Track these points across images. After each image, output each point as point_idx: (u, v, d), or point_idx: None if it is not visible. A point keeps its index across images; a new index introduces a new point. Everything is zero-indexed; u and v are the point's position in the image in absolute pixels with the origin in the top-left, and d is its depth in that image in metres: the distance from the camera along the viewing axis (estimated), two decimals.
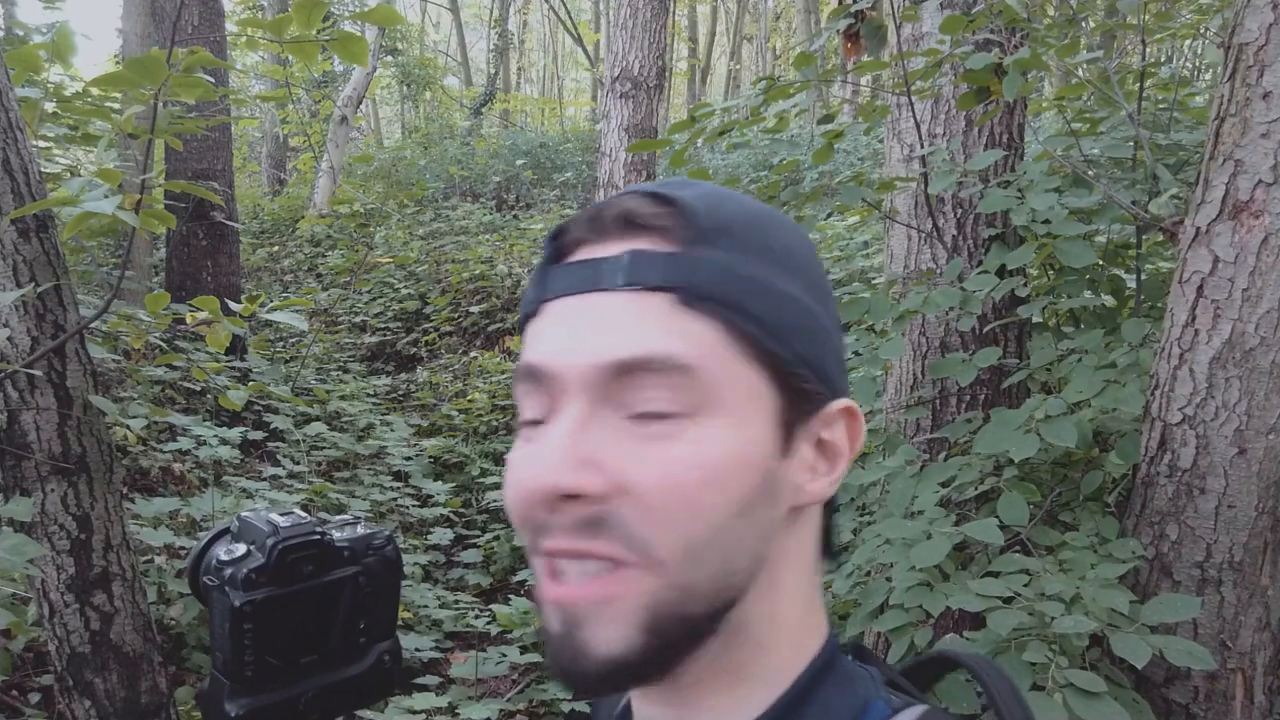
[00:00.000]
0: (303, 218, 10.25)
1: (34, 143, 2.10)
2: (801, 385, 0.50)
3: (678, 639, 0.47)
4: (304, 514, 0.68)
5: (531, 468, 0.46)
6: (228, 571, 0.63)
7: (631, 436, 0.46)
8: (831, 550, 0.57)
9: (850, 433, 0.53)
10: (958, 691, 1.58)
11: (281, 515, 0.67)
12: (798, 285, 0.50)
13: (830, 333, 0.53)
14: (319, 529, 0.67)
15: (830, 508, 0.56)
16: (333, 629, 0.68)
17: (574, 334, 0.47)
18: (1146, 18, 2.73)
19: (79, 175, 2.77)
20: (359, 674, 0.70)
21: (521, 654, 3.08)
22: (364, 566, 0.69)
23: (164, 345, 4.62)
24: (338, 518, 0.72)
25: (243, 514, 0.68)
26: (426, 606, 3.48)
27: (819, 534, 0.55)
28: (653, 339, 0.46)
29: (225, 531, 0.69)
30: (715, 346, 0.47)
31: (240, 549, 0.65)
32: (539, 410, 0.49)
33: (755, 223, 0.50)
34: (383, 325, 8.03)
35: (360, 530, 0.71)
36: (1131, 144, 2.37)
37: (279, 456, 4.61)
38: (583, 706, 2.85)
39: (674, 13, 12.92)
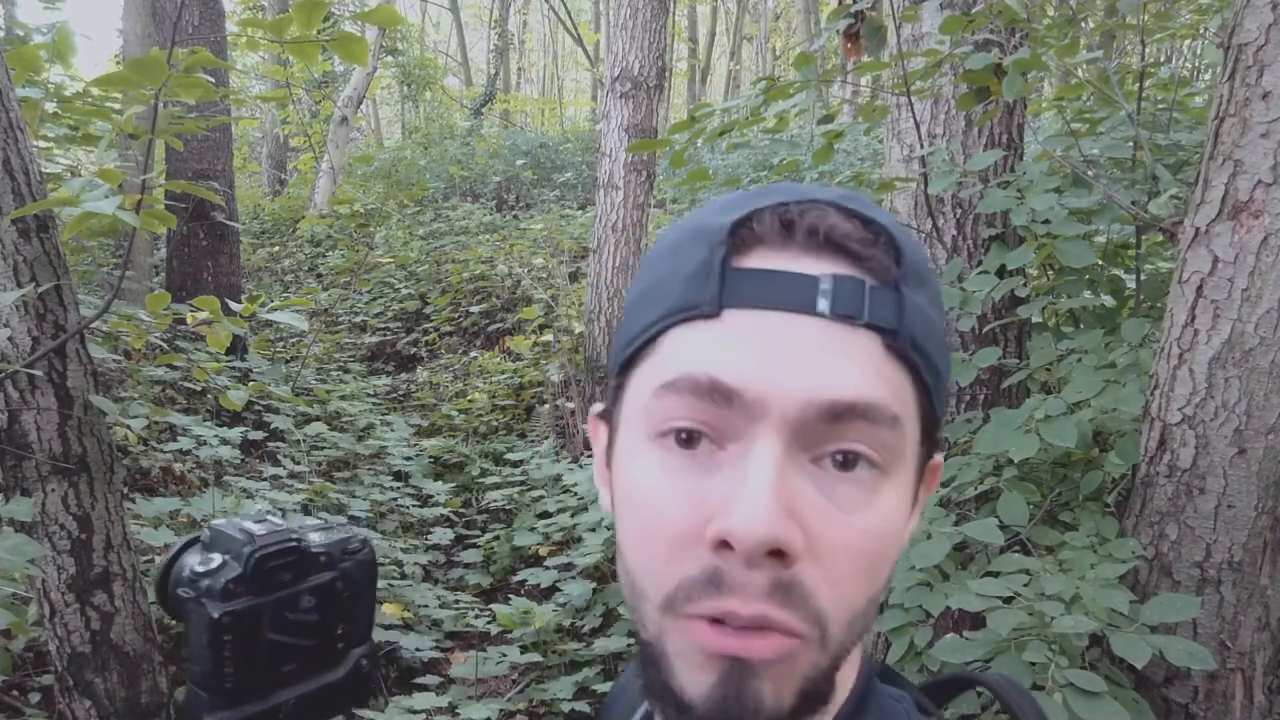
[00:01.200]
0: (303, 218, 10.25)
1: (34, 143, 2.10)
2: (936, 440, 0.49)
3: (817, 702, 0.45)
4: (277, 520, 0.68)
5: (738, 508, 0.41)
6: (204, 583, 0.62)
7: (822, 486, 0.43)
8: None
9: (929, 483, 0.52)
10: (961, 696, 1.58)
11: (256, 523, 0.66)
12: (944, 332, 0.49)
13: None
14: (295, 535, 0.66)
15: None
16: (310, 636, 0.67)
17: (778, 359, 0.42)
18: (1146, 18, 2.73)
19: (79, 175, 2.77)
20: (337, 680, 0.69)
21: (521, 654, 3.08)
22: (340, 571, 0.69)
23: (164, 345, 4.62)
24: (310, 521, 0.72)
25: (214, 523, 0.67)
26: (426, 606, 3.48)
27: None
28: (868, 383, 0.43)
29: (194, 541, 0.67)
30: (908, 397, 0.45)
31: (216, 559, 0.63)
32: (704, 428, 0.44)
33: (929, 262, 0.48)
34: (383, 325, 8.03)
35: (335, 535, 0.70)
36: (1131, 144, 2.37)
37: (279, 456, 4.61)
38: (583, 706, 2.85)
39: (674, 13, 12.92)
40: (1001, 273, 2.22)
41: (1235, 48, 1.67)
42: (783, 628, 0.42)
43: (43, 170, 2.01)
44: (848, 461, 0.43)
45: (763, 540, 0.40)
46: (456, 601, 3.68)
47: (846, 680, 0.51)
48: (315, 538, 0.69)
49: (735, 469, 0.42)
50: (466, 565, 4.14)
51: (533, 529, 4.13)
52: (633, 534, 0.46)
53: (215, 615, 0.61)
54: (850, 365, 0.43)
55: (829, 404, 0.42)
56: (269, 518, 0.68)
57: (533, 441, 5.50)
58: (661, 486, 0.44)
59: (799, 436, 0.42)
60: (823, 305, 0.43)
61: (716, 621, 0.42)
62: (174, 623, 3.05)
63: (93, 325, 2.16)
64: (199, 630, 0.62)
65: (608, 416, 0.52)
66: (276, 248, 10.51)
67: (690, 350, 0.44)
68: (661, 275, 0.47)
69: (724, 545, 0.41)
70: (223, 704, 0.63)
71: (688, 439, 0.44)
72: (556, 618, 3.25)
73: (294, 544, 0.66)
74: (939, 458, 0.51)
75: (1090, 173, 2.32)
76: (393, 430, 5.38)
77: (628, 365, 0.48)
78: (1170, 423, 1.76)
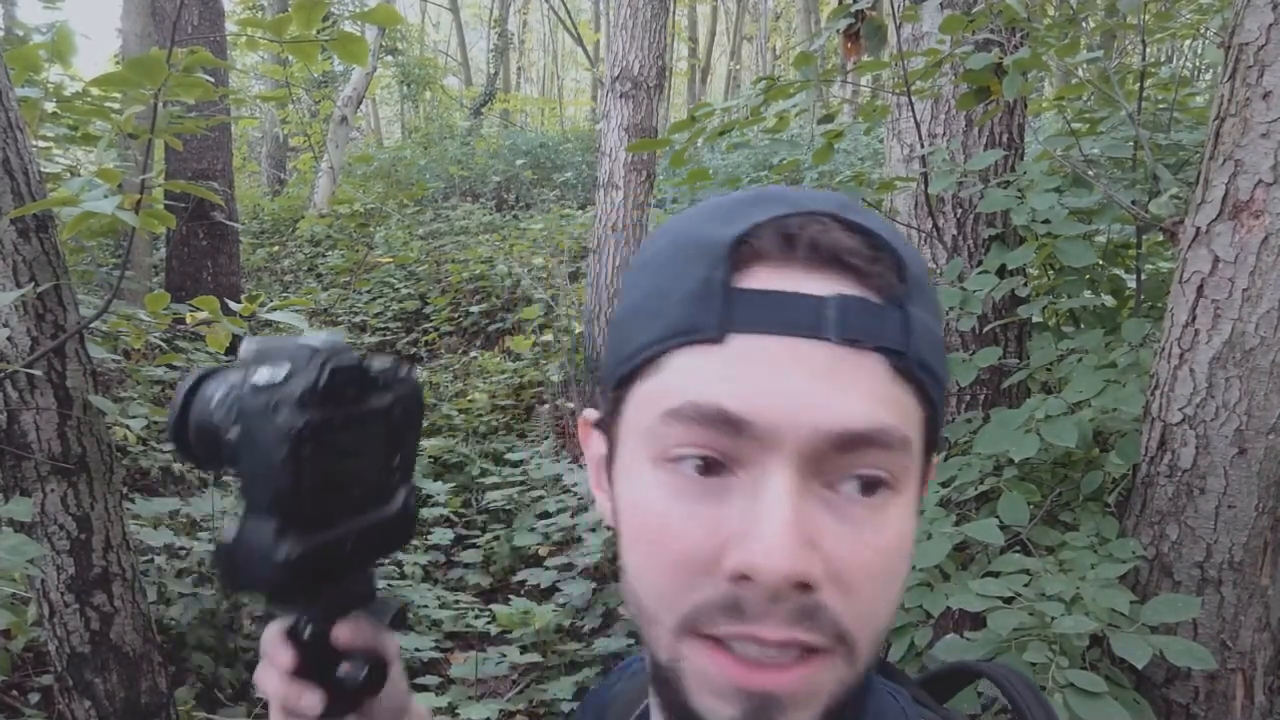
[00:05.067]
0: (303, 218, 10.25)
1: (34, 143, 2.10)
2: (938, 445, 0.49)
3: (838, 717, 0.45)
4: (334, 334, 0.62)
5: (756, 544, 0.41)
6: (280, 391, 0.55)
7: (837, 512, 0.43)
8: None
9: (925, 479, 0.53)
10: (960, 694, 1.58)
11: (313, 337, 0.59)
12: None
13: None
14: (357, 352, 0.60)
15: None
16: (372, 462, 0.62)
17: (787, 387, 0.41)
18: (1146, 18, 2.73)
19: (79, 175, 2.77)
20: (390, 516, 0.64)
21: (521, 654, 3.08)
22: (396, 396, 0.63)
23: (164, 345, 4.62)
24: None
25: (257, 340, 0.60)
26: (426, 606, 3.47)
27: None
28: (880, 409, 0.42)
29: (212, 373, 0.60)
30: (917, 416, 0.45)
31: (284, 369, 0.56)
32: (716, 455, 0.43)
33: (926, 269, 0.47)
34: (383, 325, 8.03)
35: (386, 360, 0.64)
36: (1131, 144, 2.37)
37: None
38: None
39: (674, 12, 12.92)
40: (1002, 272, 2.22)
41: (1236, 47, 1.67)
42: (808, 643, 0.42)
43: (42, 170, 2.00)
44: (864, 487, 0.43)
45: (786, 576, 0.40)
46: (456, 602, 3.68)
47: None
48: (371, 358, 0.62)
49: (749, 496, 0.42)
50: (466, 565, 4.14)
51: (533, 529, 4.13)
52: (642, 558, 0.45)
53: (298, 425, 0.54)
54: (859, 392, 0.42)
55: (840, 433, 0.41)
56: (324, 331, 0.62)
57: (533, 441, 5.50)
58: (672, 512, 0.44)
59: (811, 464, 0.42)
60: (830, 329, 0.42)
61: (723, 644, 0.42)
62: (173, 623, 3.04)
63: (92, 325, 2.16)
64: (276, 444, 0.55)
65: (604, 427, 0.51)
66: (276, 248, 10.50)
67: (695, 377, 0.43)
68: (658, 288, 0.46)
69: (743, 578, 0.41)
70: (293, 532, 0.56)
71: (706, 467, 0.43)
72: (556, 618, 3.25)
73: (358, 360, 0.59)
74: (936, 457, 0.52)
75: (1091, 172, 2.31)
76: None
77: (626, 380, 0.47)
78: (1171, 423, 1.76)
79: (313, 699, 0.59)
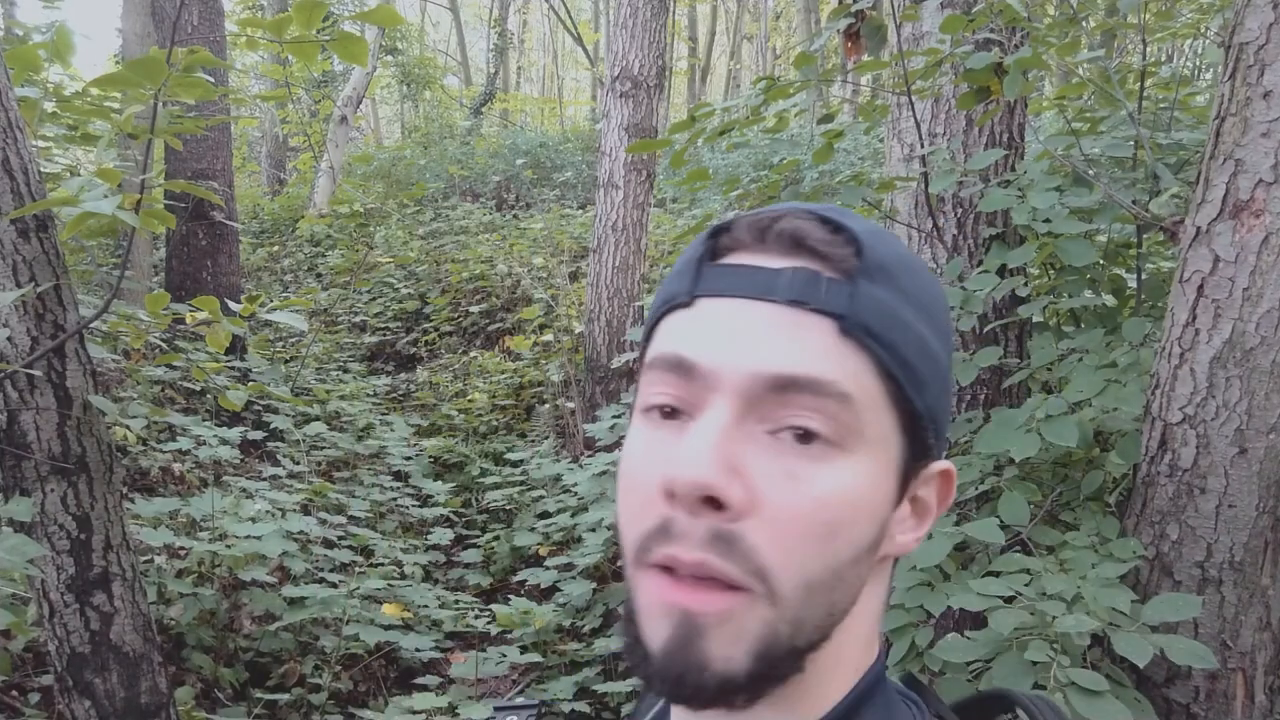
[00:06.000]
0: (303, 218, 10.23)
1: (34, 142, 2.10)
2: (924, 439, 0.50)
3: (778, 671, 0.46)
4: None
5: (679, 460, 0.44)
6: None
7: (774, 454, 0.45)
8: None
9: (941, 493, 0.54)
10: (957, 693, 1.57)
11: None
12: (938, 338, 0.51)
13: (951, 393, 0.53)
14: None
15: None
16: None
17: (733, 337, 0.47)
18: (1147, 17, 2.73)
19: (79, 175, 2.76)
20: None
21: (521, 654, 3.08)
22: None
23: (164, 345, 4.62)
24: None
25: None
26: (426, 606, 3.47)
27: (889, 582, 0.55)
28: (816, 361, 0.46)
29: None
30: (867, 382, 0.47)
31: None
32: (675, 401, 0.48)
33: (910, 267, 0.51)
34: (382, 325, 8.03)
35: None
36: (1132, 143, 2.37)
37: (279, 456, 4.61)
38: (583, 706, 2.85)
39: (674, 12, 12.91)
40: (1002, 272, 2.22)
41: (1236, 47, 1.66)
42: (723, 577, 0.44)
43: (42, 170, 2.00)
44: (806, 436, 0.45)
45: (694, 483, 0.43)
46: (456, 601, 3.68)
47: (844, 675, 0.51)
48: None
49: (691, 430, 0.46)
50: (466, 565, 4.14)
51: (533, 529, 4.13)
52: (618, 500, 0.50)
53: None
54: (799, 345, 0.46)
55: (773, 376, 0.45)
56: None
57: (533, 441, 5.50)
58: (638, 453, 0.49)
59: (751, 407, 0.46)
60: (778, 292, 0.47)
61: (668, 571, 0.45)
62: (173, 623, 3.04)
63: (92, 325, 2.16)
64: None
65: None
66: (276, 247, 10.49)
67: (667, 333, 0.50)
68: (666, 279, 0.53)
69: (671, 495, 0.45)
70: None
71: (670, 412, 0.48)
72: (556, 618, 3.25)
73: None
74: (945, 464, 0.53)
75: (1091, 172, 2.31)
76: (393, 430, 5.38)
77: (642, 355, 0.53)
78: (1171, 422, 1.76)
79: None
